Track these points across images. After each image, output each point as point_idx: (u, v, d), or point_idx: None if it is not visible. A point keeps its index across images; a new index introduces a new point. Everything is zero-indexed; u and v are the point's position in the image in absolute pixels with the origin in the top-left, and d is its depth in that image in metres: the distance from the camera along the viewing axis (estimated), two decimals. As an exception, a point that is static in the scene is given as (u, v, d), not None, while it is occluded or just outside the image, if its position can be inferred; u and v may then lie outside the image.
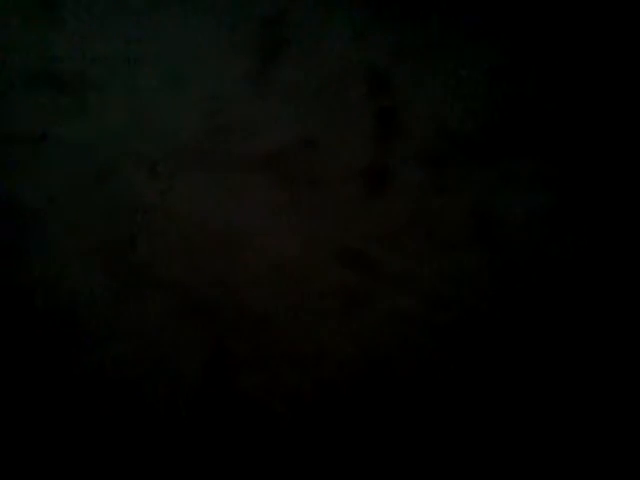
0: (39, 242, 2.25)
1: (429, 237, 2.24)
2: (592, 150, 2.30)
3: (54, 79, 2.40)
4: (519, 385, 2.13)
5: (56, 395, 2.12)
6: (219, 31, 2.45)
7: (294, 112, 2.36)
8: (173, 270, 2.20)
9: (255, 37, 2.44)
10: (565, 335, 2.16)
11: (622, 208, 2.25)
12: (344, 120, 2.35)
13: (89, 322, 2.16)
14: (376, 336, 2.16)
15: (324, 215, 2.26)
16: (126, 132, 2.34)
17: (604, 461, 2.08)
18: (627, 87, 2.33)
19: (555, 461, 2.08)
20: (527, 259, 2.22)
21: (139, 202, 2.26)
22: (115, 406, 2.09)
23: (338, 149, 2.32)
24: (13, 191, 2.29)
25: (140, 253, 2.22)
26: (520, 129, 2.32)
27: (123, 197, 2.28)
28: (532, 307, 2.19)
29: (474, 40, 2.38)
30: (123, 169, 2.30)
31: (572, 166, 2.29)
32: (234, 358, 2.10)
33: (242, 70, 2.41)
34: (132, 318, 2.16)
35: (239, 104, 2.38)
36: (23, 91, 2.39)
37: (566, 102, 2.34)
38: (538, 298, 2.19)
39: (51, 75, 2.41)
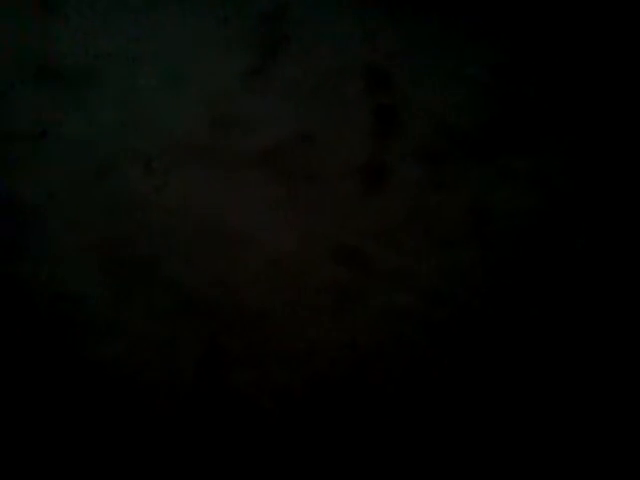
0: (39, 238, 2.27)
1: (426, 234, 2.23)
2: (589, 147, 2.28)
3: (54, 76, 2.42)
4: (513, 380, 2.12)
5: (54, 392, 2.14)
6: (218, 28, 2.46)
7: (293, 108, 2.37)
8: (170, 267, 2.21)
9: (255, 34, 2.45)
10: (560, 332, 2.15)
11: (619, 205, 2.24)
12: (343, 117, 2.35)
13: (86, 319, 2.18)
14: (370, 332, 2.16)
15: (321, 211, 2.26)
16: (125, 129, 2.35)
17: (596, 456, 2.07)
18: (624, 85, 2.31)
19: (549, 458, 2.07)
20: (523, 256, 2.21)
21: (137, 199, 2.27)
22: (110, 402, 2.11)
23: (336, 145, 2.32)
24: (13, 188, 2.31)
25: (137, 249, 2.23)
26: (518, 126, 2.31)
27: (122, 194, 2.29)
28: (528, 303, 2.18)
29: (474, 39, 2.37)
30: (122, 166, 2.31)
31: (569, 163, 2.27)
32: (227, 355, 2.11)
33: (241, 67, 2.42)
34: (129, 315, 2.17)
35: (237, 100, 2.38)
36: (23, 88, 2.41)
37: (564, 100, 2.32)
38: (534, 294, 2.18)
39: (51, 72, 2.42)
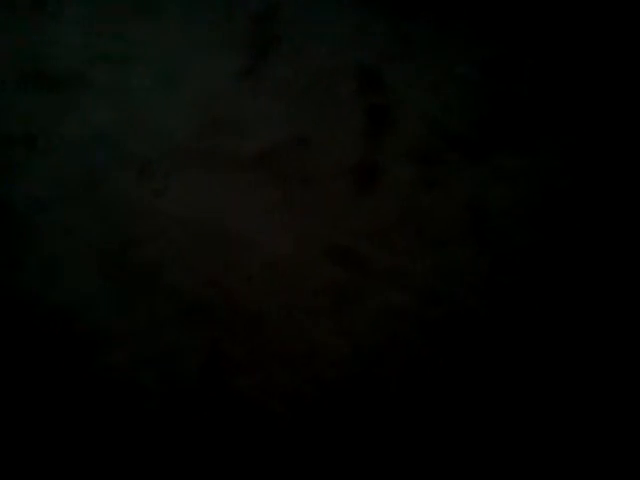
0: (33, 247, 2.27)
1: (420, 233, 2.26)
2: (583, 144, 2.31)
3: (46, 79, 2.42)
4: (509, 379, 2.16)
5: (55, 399, 2.16)
6: (210, 29, 2.47)
7: (286, 110, 2.38)
8: (168, 272, 2.23)
9: (246, 34, 2.46)
10: (555, 330, 2.19)
11: (613, 203, 2.26)
12: (335, 117, 2.37)
13: (88, 328, 2.19)
14: (368, 332, 2.19)
15: (316, 213, 2.29)
16: (119, 132, 2.36)
17: (596, 456, 2.11)
18: (616, 81, 2.33)
19: (547, 456, 2.11)
20: (518, 254, 2.24)
21: (135, 204, 2.29)
22: (113, 409, 2.13)
23: (330, 147, 2.34)
24: (4, 195, 2.31)
25: (136, 256, 2.25)
26: (511, 125, 2.33)
27: (117, 198, 2.30)
28: (523, 301, 2.21)
29: (465, 38, 2.39)
30: (116, 170, 2.32)
31: (563, 161, 2.30)
32: (230, 360, 2.13)
33: (234, 68, 2.43)
34: (128, 322, 2.19)
35: (231, 102, 2.39)
36: (14, 91, 2.41)
37: (556, 97, 2.35)
38: (529, 293, 2.21)
39: (43, 75, 2.43)
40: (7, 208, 2.29)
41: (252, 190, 2.31)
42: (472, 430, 2.12)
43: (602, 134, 2.32)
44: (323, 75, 2.41)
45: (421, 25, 2.42)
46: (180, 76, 2.42)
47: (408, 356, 2.18)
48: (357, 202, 2.29)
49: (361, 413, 2.13)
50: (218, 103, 2.40)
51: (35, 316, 2.21)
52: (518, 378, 2.15)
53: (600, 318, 2.18)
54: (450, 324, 2.19)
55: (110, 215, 2.28)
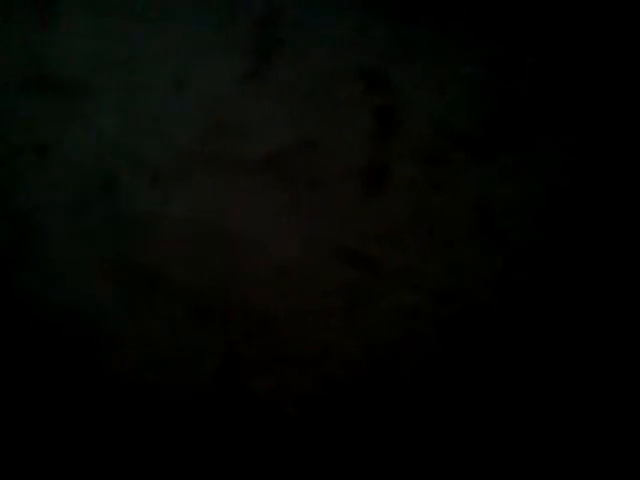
0: (44, 252, 2.27)
1: (430, 233, 2.27)
2: (590, 142, 2.32)
3: (52, 85, 2.41)
4: (523, 375, 2.16)
5: (70, 403, 2.15)
6: (214, 33, 2.46)
7: (292, 113, 2.38)
8: (180, 276, 2.23)
9: (250, 38, 2.46)
10: (567, 327, 2.19)
11: (621, 201, 2.28)
12: (341, 119, 2.37)
13: (100, 332, 2.19)
14: (380, 333, 2.19)
15: (325, 215, 2.29)
16: (125, 138, 2.36)
17: (604, 452, 2.12)
18: (622, 80, 2.35)
19: (561, 452, 2.11)
20: (528, 251, 2.25)
21: (142, 210, 2.28)
22: (127, 413, 2.12)
23: (337, 149, 2.34)
24: (14, 201, 2.31)
25: (147, 261, 2.24)
26: (517, 124, 2.34)
27: (126, 203, 2.30)
28: (534, 298, 2.22)
29: (470, 38, 2.40)
30: (123, 176, 2.32)
31: (570, 159, 2.31)
32: (245, 363, 2.13)
33: (238, 71, 2.43)
34: (142, 327, 2.19)
35: (236, 106, 2.39)
36: (20, 98, 2.41)
37: (563, 96, 2.36)
38: (540, 289, 2.22)
39: (49, 81, 2.42)
40: (17, 214, 2.29)
41: (260, 193, 2.31)
42: (486, 428, 2.12)
43: (609, 132, 2.33)
44: (328, 78, 2.41)
45: (423, 26, 2.42)
46: (185, 80, 2.42)
47: (421, 356, 2.18)
48: (365, 203, 2.30)
49: (374, 414, 2.13)
50: (223, 107, 2.40)
51: (50, 321, 2.20)
52: (532, 374, 2.16)
53: (612, 313, 2.19)
54: (462, 322, 2.20)
55: (120, 220, 2.28)
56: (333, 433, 2.10)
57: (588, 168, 2.30)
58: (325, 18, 2.48)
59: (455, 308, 2.21)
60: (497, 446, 2.12)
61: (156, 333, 2.20)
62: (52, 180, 2.33)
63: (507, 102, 2.35)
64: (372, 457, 2.11)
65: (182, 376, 2.13)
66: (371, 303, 2.21)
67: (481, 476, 2.11)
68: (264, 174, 2.32)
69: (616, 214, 2.26)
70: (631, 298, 2.20)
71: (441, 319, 2.20)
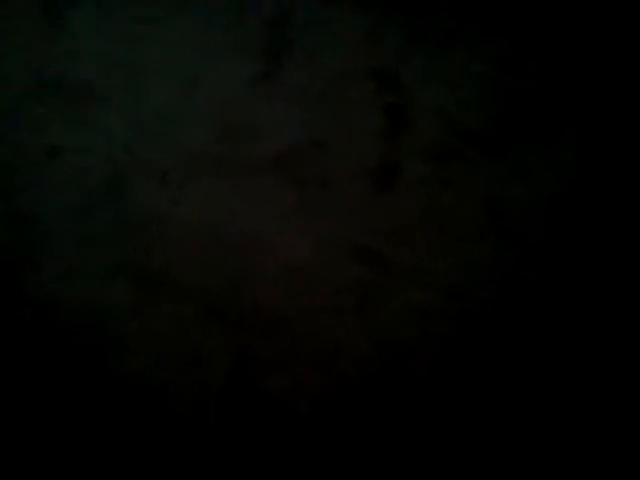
0: (52, 255, 2.28)
1: (441, 231, 2.26)
2: (601, 138, 2.31)
3: (61, 90, 2.43)
4: (534, 373, 2.16)
5: (81, 404, 2.16)
6: (224, 35, 2.47)
7: (303, 114, 2.39)
8: (191, 277, 2.23)
9: (260, 40, 2.46)
10: (578, 324, 2.18)
11: (632, 195, 2.27)
12: (352, 119, 2.37)
13: (111, 333, 2.20)
14: (392, 331, 2.19)
15: (336, 214, 2.29)
16: (136, 142, 2.37)
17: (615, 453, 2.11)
18: (632, 74, 2.34)
19: (575, 449, 2.10)
20: (539, 248, 2.24)
21: (152, 212, 2.29)
22: (140, 413, 2.13)
23: (347, 148, 2.34)
24: (23, 203, 2.32)
25: (157, 263, 2.25)
26: (527, 121, 2.33)
27: (136, 208, 2.31)
28: (545, 296, 2.21)
29: (480, 35, 2.40)
30: (135, 180, 2.33)
31: (580, 155, 2.30)
32: (257, 363, 2.13)
33: (248, 73, 2.43)
34: (154, 327, 2.19)
35: (247, 108, 2.40)
36: (31, 104, 2.42)
37: (572, 92, 2.35)
38: (551, 287, 2.21)
39: (59, 86, 2.43)
40: (26, 215, 2.30)
41: (270, 194, 2.31)
42: (497, 424, 2.11)
43: (619, 129, 2.32)
44: (338, 79, 2.41)
45: (432, 25, 2.42)
46: (195, 82, 2.43)
47: (433, 353, 2.18)
48: (376, 202, 2.29)
49: (386, 411, 2.13)
50: (234, 109, 2.41)
51: (64, 323, 2.21)
52: (543, 371, 2.15)
53: (622, 308, 2.18)
54: (473, 320, 2.19)
55: (131, 221, 2.29)
56: (345, 430, 2.10)
57: (599, 164, 2.29)
58: (335, 19, 2.48)
59: (466, 306, 2.20)
60: (507, 442, 2.11)
61: (166, 334, 2.20)
62: (62, 182, 2.34)
63: (517, 99, 2.34)
64: (384, 454, 2.11)
65: (193, 376, 2.14)
66: (382, 301, 2.21)
67: (490, 472, 2.10)
68: (275, 174, 2.33)
69: (627, 210, 2.25)
70: (644, 294, 2.19)
71: (452, 317, 2.20)
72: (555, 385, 2.15)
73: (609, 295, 2.19)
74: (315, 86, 2.41)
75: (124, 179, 2.33)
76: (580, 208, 2.26)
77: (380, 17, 2.47)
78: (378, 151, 2.34)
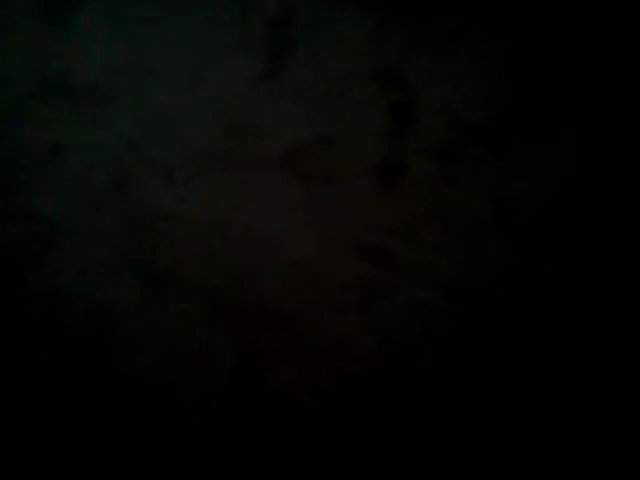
0: (57, 252, 2.29)
1: (445, 229, 2.27)
2: (606, 135, 2.32)
3: (66, 90, 2.43)
4: (538, 371, 2.16)
5: (87, 402, 2.16)
6: (226, 32, 2.48)
7: (308, 112, 2.39)
8: (197, 274, 2.24)
9: (263, 39, 2.47)
10: (583, 322, 2.19)
11: (637, 194, 2.27)
12: (357, 117, 2.38)
13: (116, 330, 2.20)
14: (396, 327, 2.20)
15: (341, 211, 2.30)
16: (141, 140, 2.38)
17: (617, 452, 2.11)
18: (636, 75, 2.35)
19: (581, 447, 2.11)
20: (544, 245, 2.25)
21: (158, 209, 2.30)
22: (146, 410, 2.13)
23: (352, 146, 2.35)
24: (29, 201, 2.33)
25: (163, 260, 2.26)
26: (531, 117, 2.34)
27: (142, 205, 2.31)
28: (550, 293, 2.21)
29: (483, 33, 2.41)
30: (140, 177, 2.34)
31: (585, 151, 2.31)
32: (262, 359, 2.14)
33: (252, 72, 2.44)
34: (160, 324, 2.20)
35: (251, 106, 2.41)
36: (36, 103, 2.43)
37: (577, 89, 2.36)
38: (555, 285, 2.22)
39: (63, 86, 2.44)
40: (32, 213, 2.31)
41: (276, 190, 2.32)
42: (500, 422, 2.12)
43: (624, 127, 2.33)
44: (342, 78, 2.42)
45: (436, 26, 2.43)
46: (200, 82, 2.44)
47: (436, 351, 2.18)
48: (382, 199, 2.30)
49: (389, 407, 2.13)
50: (238, 107, 2.42)
51: (68, 320, 2.21)
52: (547, 369, 2.16)
53: (626, 306, 2.19)
54: (478, 318, 2.20)
55: (137, 219, 2.29)
56: (349, 425, 2.10)
57: (604, 161, 2.30)
58: (338, 19, 2.49)
59: (470, 303, 2.21)
60: (511, 438, 2.12)
61: (172, 331, 2.21)
62: (67, 180, 2.35)
63: (521, 97, 2.35)
64: (388, 449, 2.11)
65: (199, 373, 2.14)
66: (386, 298, 2.22)
67: (493, 468, 2.10)
68: (280, 171, 2.34)
69: (631, 207, 2.26)
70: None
71: (456, 314, 2.20)
72: (559, 382, 2.16)
73: (614, 292, 2.20)
74: (319, 86, 2.42)
75: (130, 177, 2.34)
76: (585, 205, 2.27)
77: (384, 18, 2.48)
78: (383, 149, 2.35)
